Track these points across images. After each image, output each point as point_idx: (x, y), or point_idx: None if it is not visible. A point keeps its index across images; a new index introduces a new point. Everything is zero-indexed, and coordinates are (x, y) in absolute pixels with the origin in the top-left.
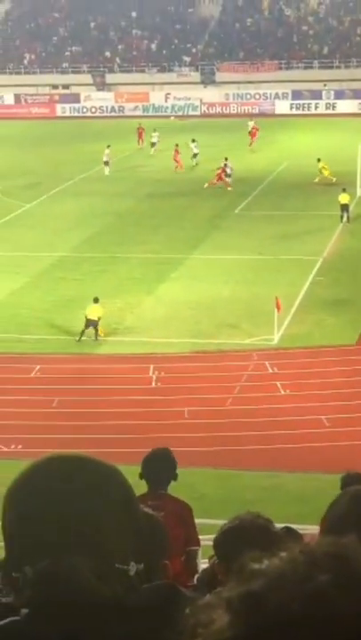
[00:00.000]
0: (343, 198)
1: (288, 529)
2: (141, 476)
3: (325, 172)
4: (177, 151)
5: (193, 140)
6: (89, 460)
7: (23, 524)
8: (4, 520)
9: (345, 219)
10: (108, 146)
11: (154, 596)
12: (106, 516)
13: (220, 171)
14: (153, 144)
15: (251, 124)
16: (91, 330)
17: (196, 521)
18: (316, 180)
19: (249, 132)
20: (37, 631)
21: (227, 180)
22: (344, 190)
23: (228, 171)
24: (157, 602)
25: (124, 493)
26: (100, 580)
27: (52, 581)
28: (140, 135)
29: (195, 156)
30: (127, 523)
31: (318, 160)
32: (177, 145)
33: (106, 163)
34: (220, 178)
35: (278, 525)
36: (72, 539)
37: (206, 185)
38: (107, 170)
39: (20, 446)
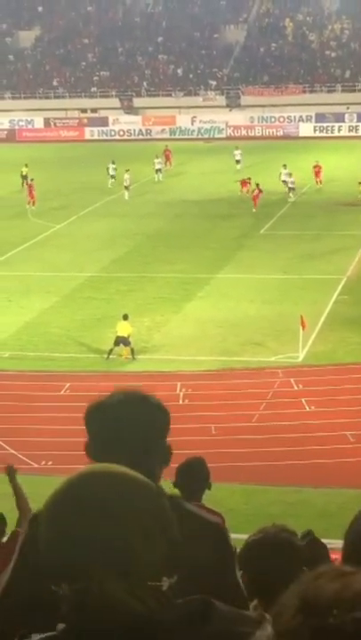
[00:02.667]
0: None
1: (312, 539)
2: (175, 485)
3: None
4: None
5: (284, 166)
6: (121, 476)
7: (58, 540)
8: (41, 534)
9: None
10: (128, 170)
11: (187, 611)
12: (137, 534)
13: (255, 192)
14: (157, 170)
15: (237, 152)
16: (121, 348)
17: None
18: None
19: (237, 161)
20: None
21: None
22: None
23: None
24: (191, 617)
25: (155, 508)
26: (133, 598)
27: (86, 601)
28: (167, 157)
29: (285, 183)
30: (160, 537)
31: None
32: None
33: (126, 187)
34: (256, 197)
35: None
36: (104, 557)
37: (255, 210)
38: (127, 194)
39: (50, 463)
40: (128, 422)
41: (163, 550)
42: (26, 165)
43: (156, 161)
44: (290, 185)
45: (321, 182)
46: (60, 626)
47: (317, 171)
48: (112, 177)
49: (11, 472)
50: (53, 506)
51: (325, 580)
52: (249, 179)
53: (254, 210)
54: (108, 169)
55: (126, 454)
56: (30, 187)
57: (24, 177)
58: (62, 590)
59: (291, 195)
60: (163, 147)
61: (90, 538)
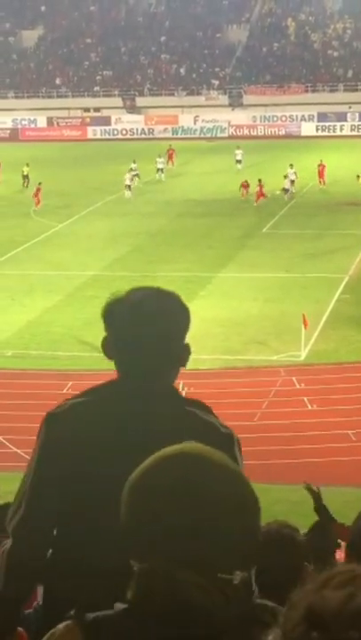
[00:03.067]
0: None
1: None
2: None
3: None
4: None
5: (291, 166)
6: (212, 460)
7: (138, 517)
8: (124, 504)
9: None
10: (130, 170)
11: (248, 613)
12: (216, 522)
13: (258, 189)
14: (158, 170)
15: (238, 152)
16: None
17: None
18: None
19: (238, 161)
20: (127, 628)
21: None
22: None
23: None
24: (247, 621)
25: (241, 499)
26: (197, 588)
27: (150, 584)
28: (170, 156)
29: (292, 182)
30: (238, 528)
31: (358, 177)
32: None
33: (128, 187)
34: (261, 195)
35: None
36: (178, 542)
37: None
38: (128, 193)
39: None
40: (152, 316)
41: (239, 542)
42: (27, 165)
43: (158, 160)
44: (285, 186)
45: (325, 183)
46: (119, 605)
47: (321, 170)
48: (136, 176)
49: None
50: (140, 481)
51: (332, 588)
52: (246, 182)
53: (255, 204)
54: (130, 169)
55: (148, 352)
56: (38, 190)
57: (25, 176)
58: (133, 568)
59: (286, 196)
60: (165, 146)
61: (169, 520)
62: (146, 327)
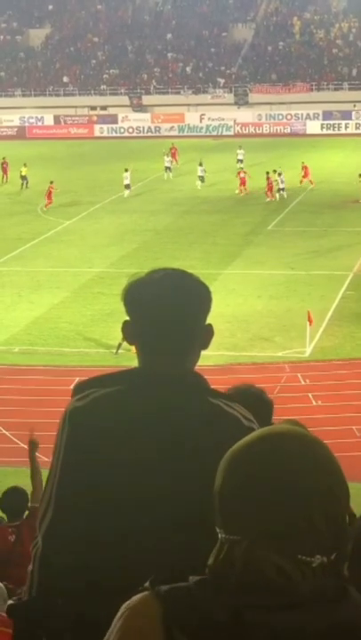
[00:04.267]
0: None
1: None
2: None
3: None
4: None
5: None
6: (314, 443)
7: (232, 488)
8: (220, 474)
9: None
10: (127, 169)
11: (325, 594)
12: (306, 504)
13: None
14: (167, 169)
15: (240, 152)
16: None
17: None
18: None
19: (239, 160)
20: (203, 598)
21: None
22: None
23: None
24: (324, 597)
25: (333, 483)
26: (278, 567)
27: (230, 555)
28: (173, 155)
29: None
30: (326, 511)
31: (360, 175)
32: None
33: (127, 186)
34: (270, 189)
35: None
36: (269, 519)
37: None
38: (127, 193)
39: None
40: (175, 295)
41: (324, 528)
42: (24, 165)
43: (166, 159)
44: (280, 185)
45: (312, 182)
46: (194, 578)
47: (305, 170)
48: (168, 169)
49: (33, 445)
50: (244, 452)
51: None
52: (245, 172)
53: (268, 199)
54: (164, 161)
55: (172, 333)
56: (50, 189)
57: (23, 177)
58: (220, 533)
59: (282, 194)
60: (170, 145)
61: (263, 496)
62: (168, 307)
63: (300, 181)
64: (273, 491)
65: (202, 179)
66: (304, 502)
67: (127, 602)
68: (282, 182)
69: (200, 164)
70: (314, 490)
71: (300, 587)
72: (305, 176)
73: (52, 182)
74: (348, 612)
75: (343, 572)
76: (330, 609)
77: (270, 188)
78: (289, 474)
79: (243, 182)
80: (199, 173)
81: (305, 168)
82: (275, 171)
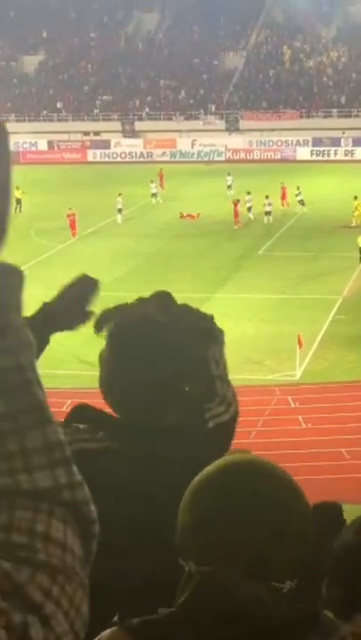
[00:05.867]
0: None
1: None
2: None
3: (356, 213)
4: (236, 207)
5: (297, 188)
6: (275, 472)
7: (201, 521)
8: (185, 507)
9: None
10: (120, 194)
11: (297, 620)
12: (281, 532)
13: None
14: (153, 195)
15: (229, 178)
16: None
17: None
18: (354, 223)
19: (228, 186)
20: (177, 631)
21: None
22: None
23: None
24: (295, 627)
25: (300, 509)
26: (254, 596)
27: (206, 588)
28: (160, 180)
29: (301, 202)
30: (298, 539)
31: (356, 197)
32: (237, 201)
33: (119, 210)
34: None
35: None
36: (242, 550)
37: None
38: (119, 218)
39: None
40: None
41: (298, 554)
42: (17, 188)
43: (152, 185)
44: (267, 209)
45: (288, 204)
46: (164, 610)
47: (283, 192)
48: (154, 195)
49: None
50: (202, 487)
51: None
52: (238, 200)
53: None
54: (150, 188)
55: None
56: (72, 218)
57: (17, 200)
58: (190, 569)
59: (268, 218)
60: (157, 170)
61: (233, 525)
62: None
63: (282, 204)
64: (243, 519)
65: (301, 202)
66: (274, 529)
67: (97, 637)
68: (269, 205)
69: (298, 188)
70: (283, 517)
71: (274, 614)
72: (283, 197)
73: (70, 209)
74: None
75: (315, 598)
76: (302, 636)
77: (236, 215)
78: (257, 502)
79: (236, 214)
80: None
81: (283, 189)
82: (267, 196)
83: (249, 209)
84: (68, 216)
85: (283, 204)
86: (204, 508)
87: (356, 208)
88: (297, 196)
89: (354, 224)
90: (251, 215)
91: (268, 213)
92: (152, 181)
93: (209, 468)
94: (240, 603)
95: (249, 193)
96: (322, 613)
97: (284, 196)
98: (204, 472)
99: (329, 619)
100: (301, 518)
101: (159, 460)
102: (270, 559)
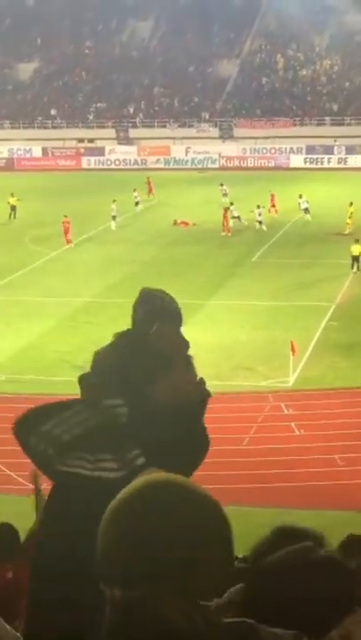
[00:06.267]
0: (355, 250)
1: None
2: None
3: (349, 220)
4: (226, 215)
5: (300, 196)
6: (191, 490)
7: (119, 547)
8: (102, 533)
9: (355, 268)
10: (114, 201)
11: (233, 633)
12: (202, 551)
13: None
14: (136, 203)
15: (223, 187)
16: None
17: None
18: (347, 231)
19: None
20: None
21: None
22: (357, 241)
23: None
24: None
25: (220, 526)
26: (182, 615)
27: (135, 610)
28: (149, 188)
29: (306, 210)
30: (221, 556)
31: (351, 204)
32: (227, 208)
33: (113, 217)
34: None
35: None
36: (166, 570)
37: (223, 234)
38: (113, 224)
39: (44, 485)
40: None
41: (222, 571)
42: (12, 195)
43: (134, 194)
44: (258, 218)
45: (277, 211)
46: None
47: (272, 199)
48: (137, 203)
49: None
50: (118, 511)
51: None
52: (227, 209)
53: (228, 234)
54: (133, 196)
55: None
56: (66, 226)
57: (12, 207)
58: (113, 594)
59: (261, 227)
60: (155, 177)
61: (154, 549)
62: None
63: (269, 210)
64: (161, 540)
65: (306, 210)
66: (193, 548)
67: None
68: (259, 215)
69: (300, 196)
70: (201, 535)
71: (206, 631)
72: (272, 205)
73: (65, 216)
74: None
75: (253, 612)
76: None
77: (226, 222)
78: (174, 522)
79: (226, 222)
80: (303, 206)
81: (272, 196)
82: (258, 206)
83: (234, 218)
84: (63, 223)
85: (271, 212)
86: (122, 532)
87: (351, 215)
88: (300, 204)
89: (347, 231)
90: (244, 222)
91: (260, 222)
92: (135, 190)
93: (124, 491)
94: (170, 624)
95: (232, 204)
96: (262, 628)
97: (273, 204)
98: (120, 495)
99: (271, 632)
100: (220, 534)
101: None
102: (193, 578)
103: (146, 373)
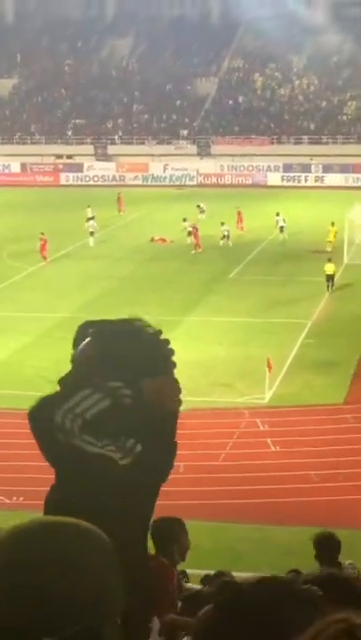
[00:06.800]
0: (329, 268)
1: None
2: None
3: (331, 237)
4: (195, 230)
5: (277, 214)
6: (67, 526)
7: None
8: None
9: (330, 289)
10: (93, 217)
11: None
12: (80, 588)
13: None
14: (88, 219)
15: (202, 205)
16: None
17: (190, 571)
18: (329, 249)
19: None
20: None
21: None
22: (330, 260)
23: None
24: None
25: (103, 560)
26: None
27: None
28: (119, 204)
29: (282, 229)
30: (107, 592)
31: (333, 224)
32: (195, 225)
33: (91, 233)
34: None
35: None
36: (43, 615)
37: (194, 252)
38: (92, 241)
39: (21, 498)
40: None
41: (111, 598)
42: None
43: (88, 210)
44: (224, 233)
45: (242, 229)
46: None
47: (238, 216)
48: (90, 219)
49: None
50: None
51: None
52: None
53: (198, 250)
54: (87, 212)
55: None
56: (43, 243)
57: None
58: None
59: (226, 242)
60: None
61: (29, 591)
62: None
63: (236, 227)
64: (34, 589)
65: (282, 229)
66: (60, 596)
67: None
68: (226, 231)
69: (277, 214)
70: (68, 580)
71: None
72: (239, 222)
73: (42, 234)
74: None
75: None
76: None
77: (197, 240)
78: (39, 570)
79: (195, 237)
80: (280, 224)
81: (239, 214)
82: (222, 223)
83: (189, 234)
84: (40, 240)
85: (237, 228)
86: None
87: (335, 234)
88: (277, 223)
89: (330, 249)
90: (229, 242)
91: (225, 237)
92: (88, 206)
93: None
94: None
95: (185, 220)
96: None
97: (239, 221)
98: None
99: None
100: (93, 575)
101: None
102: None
103: (135, 369)
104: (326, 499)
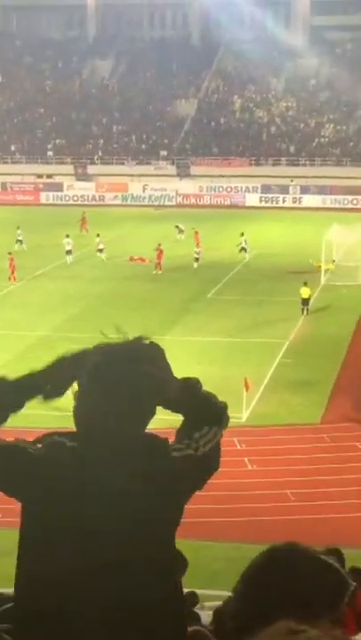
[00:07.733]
0: (304, 292)
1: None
2: None
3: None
4: (160, 251)
5: (242, 234)
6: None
7: None
8: None
9: (305, 312)
10: (68, 235)
11: None
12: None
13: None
14: (18, 241)
15: (181, 226)
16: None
17: None
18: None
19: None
20: None
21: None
22: (305, 284)
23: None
24: None
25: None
26: None
27: None
28: (83, 223)
29: (243, 249)
30: None
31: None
32: (160, 244)
33: (68, 252)
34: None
35: None
36: None
37: (155, 272)
38: (69, 259)
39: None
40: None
41: None
42: None
43: (18, 232)
44: (195, 255)
45: (198, 246)
46: None
47: (195, 236)
48: (19, 242)
49: None
50: None
51: None
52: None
53: (158, 271)
54: (17, 235)
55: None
56: (12, 263)
57: None
58: None
59: (195, 264)
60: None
61: None
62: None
63: (196, 246)
64: None
65: (243, 249)
66: None
67: None
68: (197, 254)
69: (242, 234)
70: None
71: None
72: (197, 242)
73: (10, 253)
74: None
75: None
76: None
77: (159, 260)
78: None
79: (159, 257)
80: (242, 245)
81: (196, 234)
82: (198, 245)
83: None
84: (9, 260)
85: (196, 248)
86: None
87: (333, 262)
88: (240, 244)
89: (328, 267)
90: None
91: (196, 259)
92: (18, 227)
93: None
94: None
95: (159, 244)
96: None
97: (197, 242)
98: None
99: None
100: None
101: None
102: None
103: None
104: (303, 517)
